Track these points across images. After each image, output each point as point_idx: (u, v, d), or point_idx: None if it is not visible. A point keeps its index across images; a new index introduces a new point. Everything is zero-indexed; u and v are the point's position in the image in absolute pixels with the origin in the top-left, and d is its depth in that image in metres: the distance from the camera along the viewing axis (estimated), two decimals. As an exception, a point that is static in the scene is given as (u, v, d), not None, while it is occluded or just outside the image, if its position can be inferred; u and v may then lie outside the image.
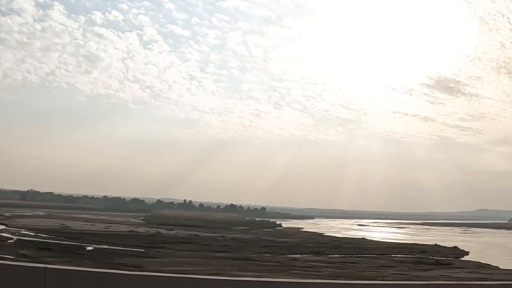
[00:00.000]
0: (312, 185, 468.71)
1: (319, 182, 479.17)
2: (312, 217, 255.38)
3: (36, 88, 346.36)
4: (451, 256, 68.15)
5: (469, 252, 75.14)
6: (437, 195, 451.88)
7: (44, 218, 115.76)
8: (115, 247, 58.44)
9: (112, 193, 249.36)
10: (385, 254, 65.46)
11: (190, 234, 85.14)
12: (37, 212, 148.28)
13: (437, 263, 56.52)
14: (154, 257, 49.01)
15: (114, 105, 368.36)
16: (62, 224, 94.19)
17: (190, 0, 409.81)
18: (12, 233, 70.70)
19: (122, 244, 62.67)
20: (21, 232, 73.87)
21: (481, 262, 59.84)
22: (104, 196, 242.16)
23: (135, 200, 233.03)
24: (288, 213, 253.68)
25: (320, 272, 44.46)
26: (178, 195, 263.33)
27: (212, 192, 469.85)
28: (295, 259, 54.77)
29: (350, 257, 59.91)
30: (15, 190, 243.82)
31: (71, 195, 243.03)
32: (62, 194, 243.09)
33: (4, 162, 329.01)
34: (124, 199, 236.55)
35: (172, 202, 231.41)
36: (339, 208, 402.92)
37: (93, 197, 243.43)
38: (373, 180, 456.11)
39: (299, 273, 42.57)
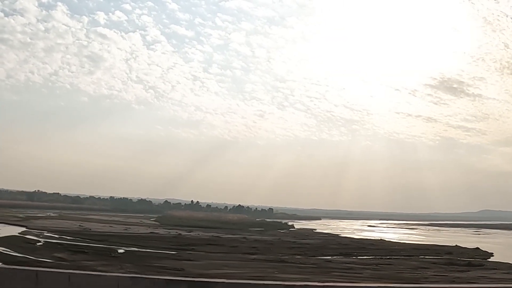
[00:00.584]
0: (315, 185, 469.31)
1: (322, 183, 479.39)
2: (319, 218, 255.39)
3: (39, 88, 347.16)
4: (477, 257, 67.82)
5: (492, 253, 74.79)
6: (441, 195, 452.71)
7: (59, 219, 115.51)
8: (145, 250, 58.20)
9: (116, 193, 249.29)
10: (413, 256, 65.09)
11: (212, 235, 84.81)
12: (48, 213, 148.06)
13: (470, 264, 56.16)
14: (190, 260, 48.64)
15: (117, 106, 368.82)
16: (80, 225, 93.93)
17: (193, 1, 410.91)
18: (37, 236, 70.37)
19: (150, 246, 62.38)
20: (44, 234, 73.43)
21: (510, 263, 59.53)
22: (111, 196, 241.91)
23: (142, 201, 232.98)
24: (294, 214, 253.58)
25: (360, 274, 44.12)
26: (181, 196, 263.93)
27: (216, 192, 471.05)
28: (329, 261, 54.42)
29: (381, 258, 59.60)
30: (22, 191, 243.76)
31: (78, 196, 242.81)
32: (68, 195, 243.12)
33: (8, 162, 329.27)
34: (130, 199, 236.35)
35: (180, 203, 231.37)
36: (343, 208, 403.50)
37: (99, 197, 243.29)
38: (376, 180, 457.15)
39: (341, 275, 42.30)
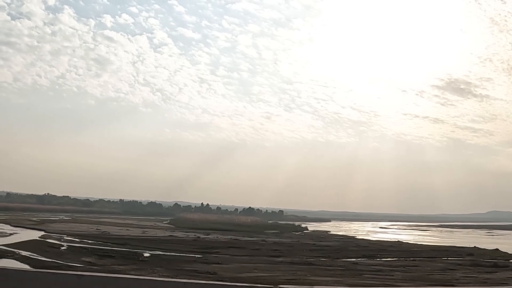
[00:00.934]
0: (323, 187, 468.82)
1: (330, 184, 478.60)
2: (329, 220, 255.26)
3: (46, 91, 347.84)
4: (499, 258, 67.55)
5: (512, 254, 74.51)
6: (448, 197, 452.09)
7: (74, 223, 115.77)
8: (170, 253, 58.17)
9: (124, 196, 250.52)
10: (435, 257, 64.88)
11: (230, 238, 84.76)
12: (61, 217, 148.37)
13: (495, 266, 55.97)
14: (219, 263, 48.62)
15: (124, 108, 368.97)
16: (97, 229, 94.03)
17: (200, 3, 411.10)
18: (58, 240, 70.37)
19: (173, 249, 62.42)
20: (65, 238, 73.49)
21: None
22: (120, 199, 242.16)
23: (152, 204, 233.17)
24: (304, 216, 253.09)
25: (392, 276, 44.02)
26: (189, 198, 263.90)
27: (224, 195, 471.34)
28: (355, 263, 54.30)
29: (405, 260, 59.44)
30: (32, 194, 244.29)
31: (88, 199, 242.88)
32: (77, 198, 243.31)
33: (16, 166, 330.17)
34: (140, 202, 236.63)
35: (190, 206, 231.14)
36: (350, 210, 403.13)
37: (109, 200, 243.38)
38: (384, 182, 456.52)
39: (373, 277, 42.25)
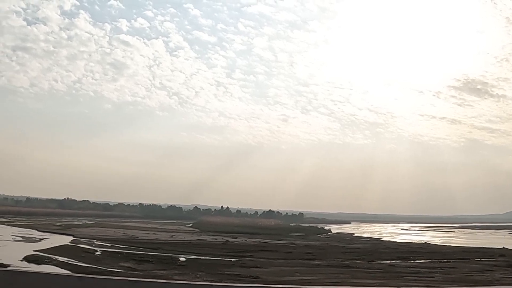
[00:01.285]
0: (340, 189, 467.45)
1: (347, 186, 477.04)
2: (348, 222, 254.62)
3: (63, 96, 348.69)
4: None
5: (544, 254, 74.05)
6: (466, 197, 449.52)
7: (98, 227, 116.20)
8: (205, 257, 58.29)
9: (143, 199, 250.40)
10: (468, 259, 64.59)
11: (259, 241, 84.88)
12: (83, 221, 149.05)
13: (532, 267, 55.72)
14: (257, 267, 48.67)
15: (141, 112, 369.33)
16: (124, 233, 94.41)
17: (215, 6, 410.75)
18: (89, 245, 70.64)
19: (206, 253, 62.55)
20: (95, 243, 73.72)
21: None
22: (140, 203, 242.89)
23: (171, 207, 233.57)
24: (324, 218, 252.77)
25: (432, 277, 43.90)
26: (207, 201, 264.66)
27: (241, 198, 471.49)
28: (392, 265, 54.17)
29: (439, 261, 59.23)
30: (52, 199, 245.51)
31: (107, 203, 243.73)
32: (97, 202, 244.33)
33: (34, 170, 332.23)
34: (160, 206, 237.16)
35: (210, 209, 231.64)
36: (368, 212, 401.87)
37: (128, 204, 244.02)
38: (401, 183, 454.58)
39: (414, 279, 42.20)
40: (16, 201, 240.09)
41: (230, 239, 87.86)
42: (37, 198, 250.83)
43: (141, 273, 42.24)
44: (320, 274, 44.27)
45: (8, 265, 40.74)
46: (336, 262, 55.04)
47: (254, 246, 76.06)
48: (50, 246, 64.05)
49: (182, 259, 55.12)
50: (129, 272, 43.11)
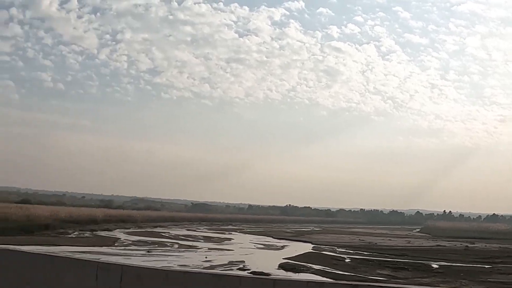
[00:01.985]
0: None
1: None
2: None
3: (278, 105, 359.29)
4: None
5: None
6: None
7: (329, 233, 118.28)
8: (455, 264, 57.29)
9: (361, 205, 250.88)
10: None
11: (499, 247, 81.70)
12: (311, 228, 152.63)
13: None
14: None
15: (356, 118, 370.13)
16: (360, 239, 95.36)
17: (425, 7, 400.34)
18: (332, 251, 71.96)
19: (453, 259, 61.40)
20: (337, 250, 75.00)
21: None
22: (361, 209, 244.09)
23: (393, 212, 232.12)
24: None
25: None
26: (426, 206, 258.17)
27: (460, 201, 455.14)
28: None
29: None
30: (274, 206, 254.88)
31: (328, 209, 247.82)
32: (318, 208, 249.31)
33: (257, 178, 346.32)
34: (381, 211, 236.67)
35: (432, 213, 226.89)
36: None
37: (350, 210, 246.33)
38: None
39: None
40: (238, 209, 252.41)
41: (470, 245, 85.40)
42: (258, 206, 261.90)
43: (404, 281, 42.46)
44: None
45: (269, 274, 42.71)
46: None
47: (498, 251, 73.31)
48: (296, 254, 66.06)
49: (434, 266, 54.65)
50: (392, 280, 43.52)
